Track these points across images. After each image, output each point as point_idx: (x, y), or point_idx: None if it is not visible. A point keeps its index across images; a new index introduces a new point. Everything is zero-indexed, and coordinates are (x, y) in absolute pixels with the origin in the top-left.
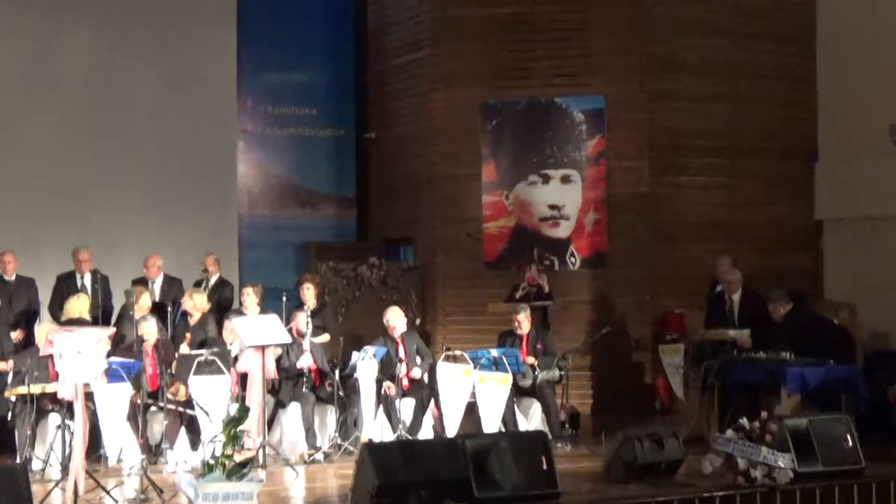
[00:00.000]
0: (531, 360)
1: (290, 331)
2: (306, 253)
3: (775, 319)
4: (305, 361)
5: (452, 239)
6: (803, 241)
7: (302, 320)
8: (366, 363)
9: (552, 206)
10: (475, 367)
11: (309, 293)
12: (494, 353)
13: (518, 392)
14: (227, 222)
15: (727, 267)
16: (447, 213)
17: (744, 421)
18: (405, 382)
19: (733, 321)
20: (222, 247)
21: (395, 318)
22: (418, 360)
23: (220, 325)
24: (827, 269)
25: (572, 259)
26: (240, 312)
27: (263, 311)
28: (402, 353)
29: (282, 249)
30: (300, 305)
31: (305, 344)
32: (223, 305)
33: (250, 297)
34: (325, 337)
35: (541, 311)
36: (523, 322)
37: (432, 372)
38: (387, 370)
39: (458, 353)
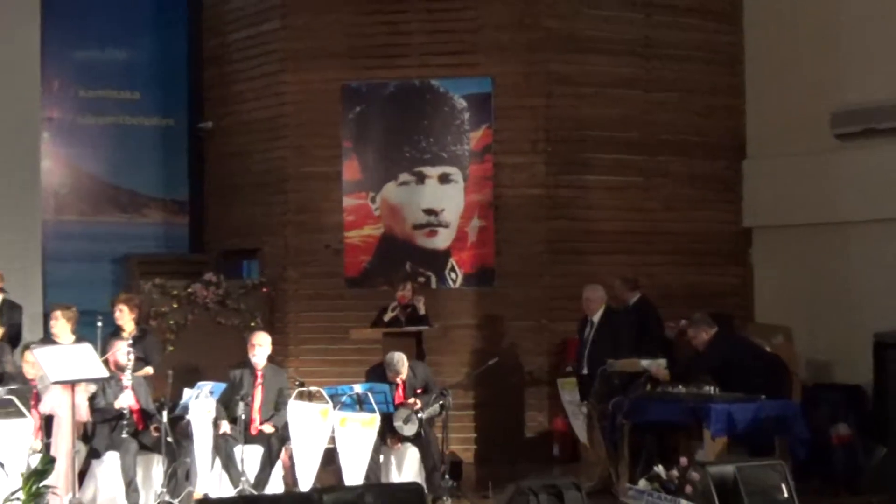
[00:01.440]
0: (411, 401)
1: (106, 363)
2: (127, 268)
3: (696, 347)
4: (125, 401)
5: (307, 251)
6: (730, 252)
7: (121, 351)
8: (200, 403)
9: (428, 211)
10: (335, 407)
11: (123, 316)
12: (358, 388)
13: (393, 436)
14: (29, 231)
15: (600, 288)
16: (300, 219)
17: (659, 468)
18: (257, 425)
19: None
20: (23, 260)
21: (260, 344)
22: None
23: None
24: (757, 286)
25: (453, 275)
26: (51, 341)
27: (78, 339)
28: (258, 394)
29: (97, 264)
30: (119, 332)
31: (125, 379)
32: (11, 333)
33: (60, 324)
34: (148, 370)
35: (415, 339)
36: (403, 374)
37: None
38: (231, 412)
39: (313, 389)
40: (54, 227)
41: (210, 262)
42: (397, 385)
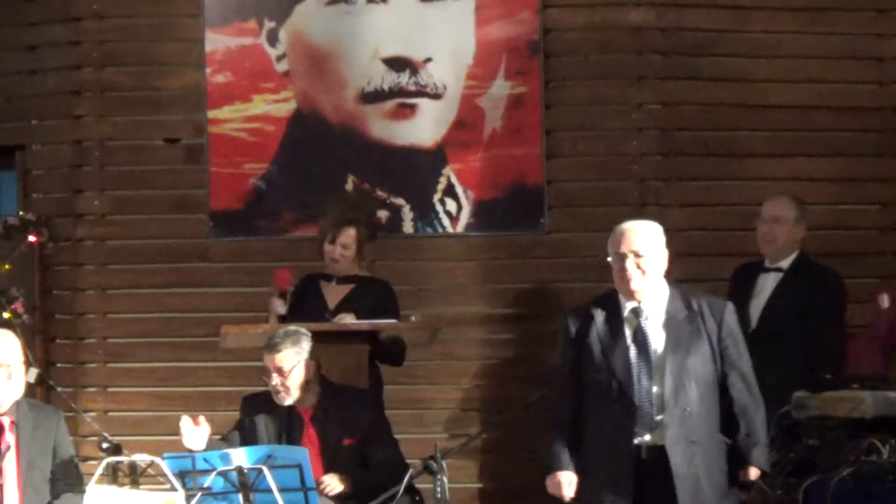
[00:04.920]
0: (331, 483)
1: None
2: None
3: None
4: None
5: (126, 152)
6: None
7: None
8: None
9: (395, 63)
10: (189, 497)
11: None
12: (240, 456)
13: None
14: None
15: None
16: (111, 79)
17: None
18: None
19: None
20: None
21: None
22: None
23: None
24: None
25: (450, 203)
26: None
27: None
28: (9, 468)
29: None
30: None
31: None
32: None
33: None
34: None
35: (364, 347)
36: (290, 375)
37: None
38: None
39: (141, 458)
40: None
41: None
42: (300, 415)
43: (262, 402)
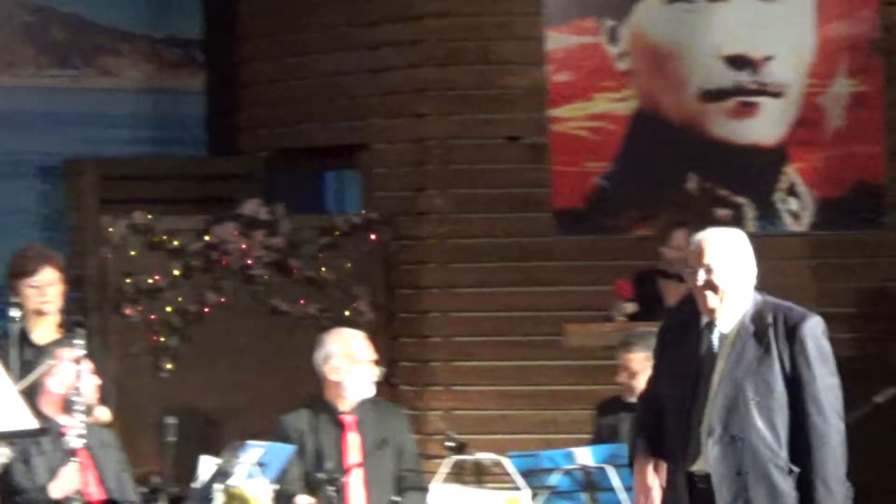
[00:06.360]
0: None
1: (30, 399)
2: (71, 186)
3: None
4: (70, 481)
5: (467, 149)
6: None
7: (64, 372)
8: (249, 483)
9: (736, 61)
10: (534, 496)
11: (48, 293)
12: (586, 455)
13: None
14: None
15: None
16: (449, 78)
17: None
18: None
19: None
20: None
21: (357, 358)
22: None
23: None
24: None
25: (792, 202)
26: None
27: None
28: (349, 457)
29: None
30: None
31: (73, 434)
32: None
33: None
34: (100, 414)
35: None
36: (639, 377)
37: None
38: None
39: (485, 457)
40: None
41: (253, 174)
42: None
43: (616, 405)
